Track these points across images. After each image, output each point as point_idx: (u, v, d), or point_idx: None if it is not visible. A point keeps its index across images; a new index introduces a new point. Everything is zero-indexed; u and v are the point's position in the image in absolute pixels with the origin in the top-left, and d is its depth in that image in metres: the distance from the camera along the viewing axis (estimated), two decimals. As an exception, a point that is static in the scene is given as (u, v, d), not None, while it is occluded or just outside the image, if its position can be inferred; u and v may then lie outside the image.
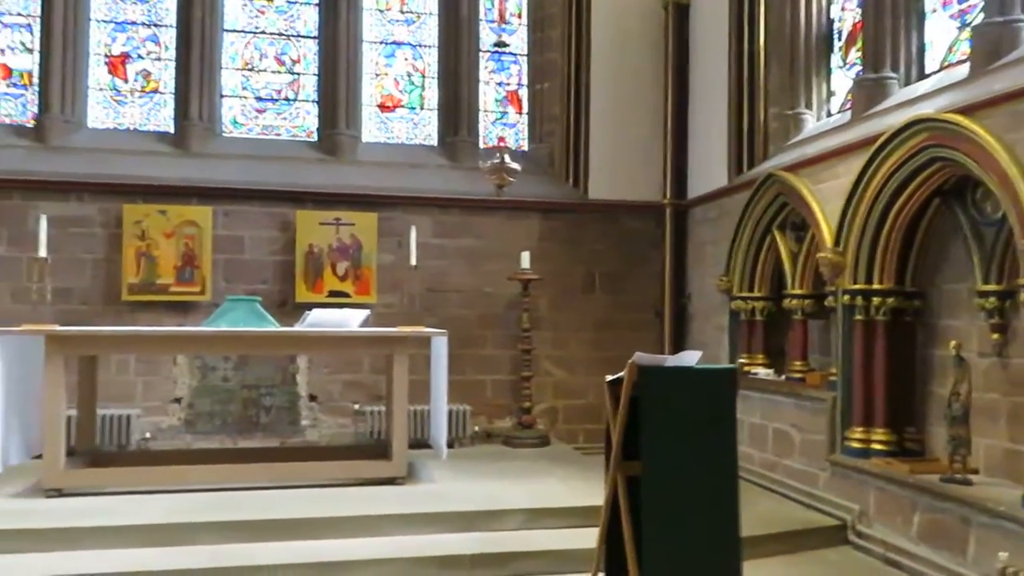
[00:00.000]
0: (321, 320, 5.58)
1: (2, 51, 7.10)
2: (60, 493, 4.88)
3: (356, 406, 7.02)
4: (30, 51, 7.10)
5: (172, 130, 7.27)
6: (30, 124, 7.03)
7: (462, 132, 7.71)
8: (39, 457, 5.08)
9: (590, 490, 5.00)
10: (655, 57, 7.69)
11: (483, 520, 4.70)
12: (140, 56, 7.35)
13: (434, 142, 7.84)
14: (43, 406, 5.00)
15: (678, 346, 7.27)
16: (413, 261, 6.12)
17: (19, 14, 7.11)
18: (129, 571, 4.02)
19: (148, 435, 6.61)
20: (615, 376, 3.44)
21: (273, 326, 5.62)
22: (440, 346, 5.57)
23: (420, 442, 6.33)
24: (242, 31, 7.54)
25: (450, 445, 5.85)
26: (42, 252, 5.57)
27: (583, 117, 7.67)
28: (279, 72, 7.61)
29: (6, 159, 6.71)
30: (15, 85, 7.12)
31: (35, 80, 7.06)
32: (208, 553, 4.23)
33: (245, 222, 7.04)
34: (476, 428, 7.13)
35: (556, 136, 7.82)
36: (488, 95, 7.97)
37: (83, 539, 4.27)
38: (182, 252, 6.82)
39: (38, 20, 7.05)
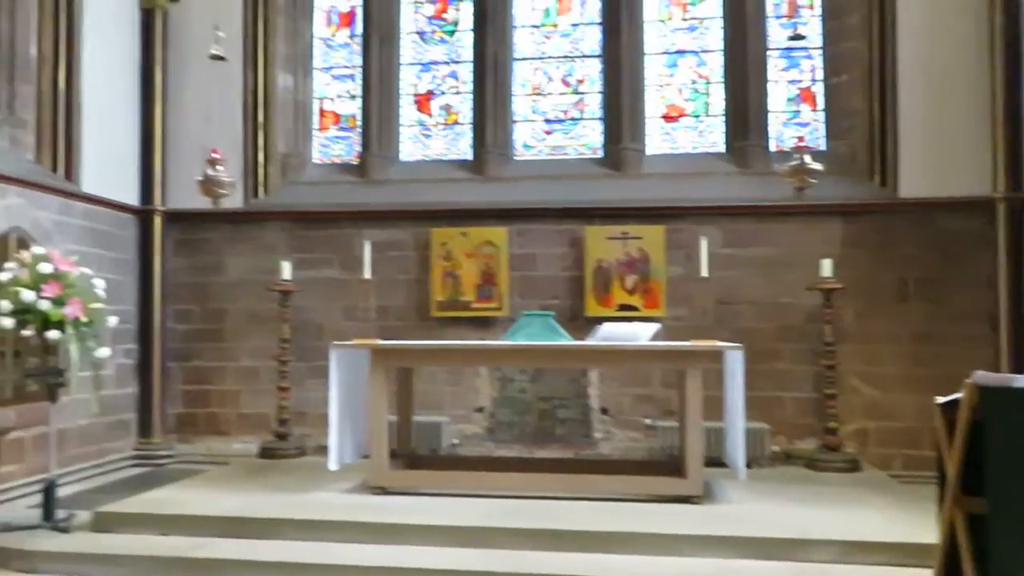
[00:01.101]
0: (612, 334, 5.61)
1: (332, 100, 8.16)
2: (384, 491, 5.40)
3: (647, 420, 6.97)
4: (354, 98, 8.07)
5: (471, 157, 7.82)
6: (355, 162, 7.98)
7: (751, 136, 7.37)
8: (367, 457, 5.68)
9: (913, 524, 4.45)
10: (978, 29, 6.71)
11: (789, 549, 4.37)
12: (442, 92, 8.01)
13: (721, 149, 7.58)
14: (369, 412, 5.59)
15: (1019, 364, 6.24)
16: (704, 272, 5.94)
17: (344, 66, 8.13)
18: (442, 569, 4.31)
19: (456, 441, 7.13)
20: (948, 398, 3.00)
21: (567, 340, 5.76)
22: (735, 361, 5.32)
23: (715, 460, 6.09)
24: (530, 58, 7.90)
25: (748, 465, 5.55)
26: (367, 274, 6.26)
27: (890, 107, 6.92)
28: (565, 93, 7.86)
29: (337, 193, 7.67)
30: (343, 129, 8.13)
31: (358, 123, 8.00)
32: (510, 558, 4.41)
33: (537, 240, 7.34)
34: (775, 448, 6.71)
35: (857, 131, 7.16)
36: (777, 95, 7.54)
37: (403, 535, 4.67)
38: (482, 271, 7.28)
39: (359, 70, 7.99)
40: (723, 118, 7.59)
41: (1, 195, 5.81)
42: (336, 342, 5.76)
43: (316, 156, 8.13)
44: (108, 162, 7.00)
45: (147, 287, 7.44)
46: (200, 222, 7.58)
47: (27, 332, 4.94)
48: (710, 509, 5.07)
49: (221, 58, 5.86)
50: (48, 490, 5.07)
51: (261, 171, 7.67)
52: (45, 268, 4.95)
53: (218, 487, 5.74)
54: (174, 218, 7.61)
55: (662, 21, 7.75)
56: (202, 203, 6.90)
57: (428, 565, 4.35)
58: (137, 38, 7.49)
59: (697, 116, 7.68)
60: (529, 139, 7.89)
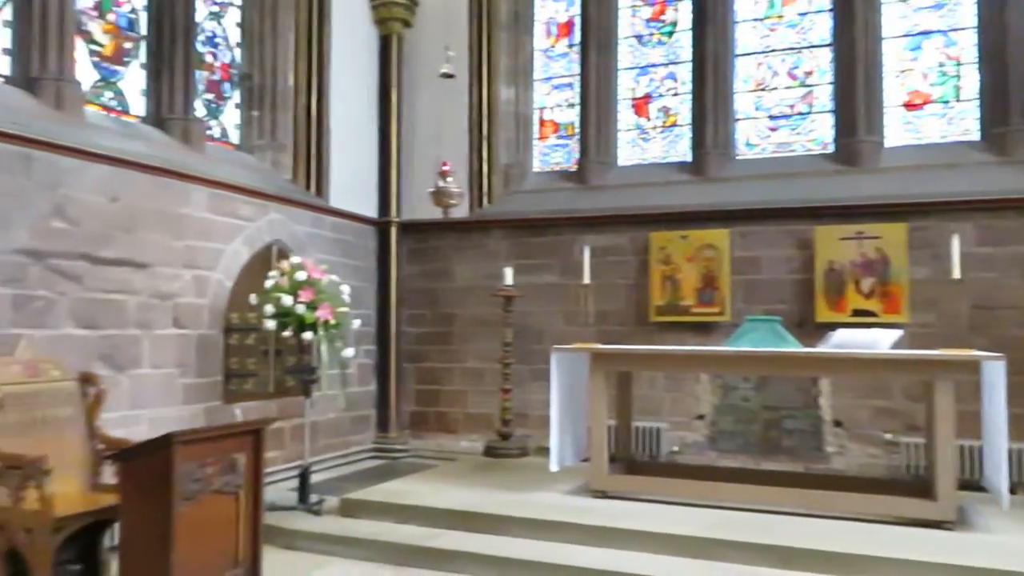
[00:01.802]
0: (847, 341, 5.22)
1: (551, 109, 8.35)
2: (604, 495, 5.42)
3: (888, 436, 6.40)
4: (572, 106, 8.20)
5: (690, 159, 7.65)
6: (573, 168, 8.10)
7: (1012, 120, 6.53)
8: (586, 460, 5.73)
9: None
10: None
11: (1064, 589, 3.82)
12: (660, 94, 7.91)
13: (975, 136, 6.80)
14: (589, 416, 5.64)
15: None
16: (956, 274, 5.34)
17: (563, 75, 8.28)
18: (661, 577, 4.26)
19: (676, 448, 6.99)
20: None
21: (795, 347, 5.44)
22: (995, 372, 4.74)
23: (970, 483, 5.47)
24: (753, 53, 7.58)
25: (1012, 491, 4.91)
26: (586, 279, 6.33)
27: None
28: (792, 87, 7.45)
29: (557, 200, 7.83)
30: (562, 137, 8.29)
31: (576, 130, 8.12)
32: (736, 573, 4.25)
33: (761, 242, 7.01)
34: (1047, 473, 5.88)
35: None
36: (1045, 72, 6.63)
37: (624, 540, 4.66)
38: (702, 274, 7.09)
39: (577, 78, 8.11)
40: (978, 102, 6.81)
41: (265, 211, 6.57)
42: (557, 346, 5.87)
43: (536, 165, 8.36)
44: (351, 178, 7.67)
45: (384, 293, 8.06)
46: (430, 231, 8.08)
47: (286, 333, 5.53)
48: (963, 537, 4.55)
49: (451, 76, 6.21)
50: (303, 476, 5.64)
51: (485, 181, 8.03)
52: (301, 276, 5.52)
53: (448, 482, 6.06)
54: (408, 228, 8.17)
55: (902, 1, 7.10)
56: (432, 213, 7.35)
57: (649, 572, 4.30)
58: (375, 62, 8.15)
59: (946, 102, 6.95)
60: (752, 137, 7.57)
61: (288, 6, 7.16)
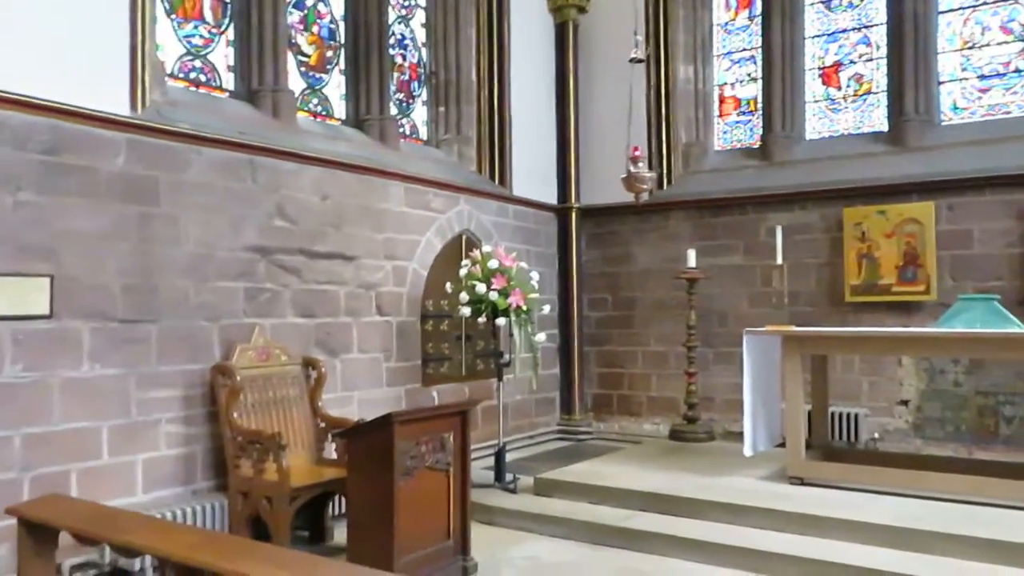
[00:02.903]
0: (1082, 321, 4.73)
1: (731, 85, 8.11)
2: (802, 482, 5.25)
3: None
4: (754, 80, 7.92)
5: (886, 128, 7.17)
6: (757, 145, 7.83)
7: None
8: (780, 446, 5.58)
9: None
10: None
11: None
12: (852, 61, 7.47)
13: None
14: (785, 400, 5.48)
15: None
16: None
17: (744, 49, 8.01)
18: (865, 567, 4.08)
19: (876, 435, 6.63)
20: None
21: (1017, 327, 5.00)
22: None
23: None
24: (960, 8, 6.97)
25: None
26: (779, 259, 6.13)
27: None
28: (1006, 42, 6.78)
29: (740, 179, 7.61)
30: (743, 113, 8.04)
31: (759, 105, 7.84)
32: (952, 567, 4.01)
33: (973, 214, 6.47)
34: None
35: None
36: None
37: (825, 528, 4.51)
38: (903, 251, 6.65)
39: (759, 51, 7.82)
40: None
41: (454, 203, 6.87)
42: (748, 328, 5.74)
43: (717, 143, 8.16)
44: (532, 167, 7.84)
45: (566, 278, 8.20)
46: (609, 215, 8.12)
47: (480, 320, 5.78)
48: None
49: (641, 60, 6.17)
50: (499, 455, 5.89)
51: (665, 162, 7.93)
52: (492, 264, 5.73)
53: (637, 464, 6.10)
54: (587, 213, 8.25)
55: None
56: (610, 197, 7.40)
57: (854, 562, 4.15)
58: (551, 51, 8.27)
59: None
60: (960, 100, 6.98)
61: (469, 3, 7.41)
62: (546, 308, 6.25)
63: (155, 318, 4.60)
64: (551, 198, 8.20)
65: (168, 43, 5.25)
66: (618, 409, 8.17)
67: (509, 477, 5.85)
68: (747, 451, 5.53)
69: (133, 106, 4.55)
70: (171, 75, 5.23)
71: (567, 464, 6.31)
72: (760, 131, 7.82)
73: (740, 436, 5.67)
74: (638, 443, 7.33)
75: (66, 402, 4.17)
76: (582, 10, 8.29)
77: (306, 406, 5.12)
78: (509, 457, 6.43)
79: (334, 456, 5.01)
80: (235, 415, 4.58)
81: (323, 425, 5.11)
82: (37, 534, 3.35)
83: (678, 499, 5.08)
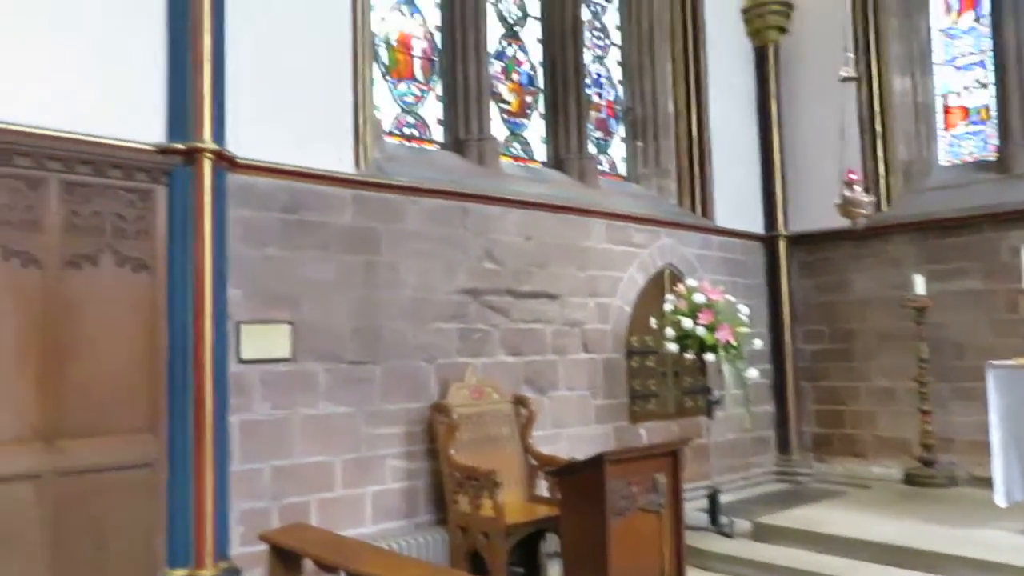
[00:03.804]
0: None
1: (957, 94, 7.42)
2: (1072, 538, 4.59)
3: None
4: (984, 86, 7.20)
5: None
6: (992, 157, 7.09)
7: None
8: (1043, 495, 4.92)
9: None
10: None
11: None
12: (1107, 55, 6.58)
13: None
14: (1044, 443, 4.84)
15: None
16: None
17: (970, 54, 7.32)
18: None
19: None
20: None
21: None
22: None
23: None
24: None
25: None
26: (1025, 283, 5.49)
27: None
28: None
29: (973, 195, 6.90)
30: (973, 123, 7.32)
31: (993, 113, 7.10)
32: None
33: None
34: None
35: None
36: None
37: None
38: None
39: (990, 54, 7.11)
40: None
41: (655, 237, 6.80)
42: (992, 362, 5.15)
43: (943, 158, 7.47)
44: (735, 196, 7.60)
45: (776, 309, 7.81)
46: (822, 242, 7.65)
47: (688, 356, 5.64)
48: None
49: (854, 79, 5.85)
50: (712, 497, 5.67)
51: (882, 182, 7.38)
52: (698, 298, 5.59)
53: (866, 511, 5.63)
54: (796, 241, 7.84)
55: None
56: (822, 223, 6.99)
57: None
58: (751, 76, 8.02)
59: None
60: None
61: (664, 37, 7.38)
62: (757, 342, 5.98)
63: (379, 359, 4.93)
64: (757, 227, 7.89)
65: (384, 103, 5.68)
66: (840, 449, 7.60)
67: (724, 520, 5.61)
68: (1000, 500, 4.92)
69: (357, 164, 4.95)
70: (388, 132, 5.65)
71: (786, 508, 5.95)
72: (996, 141, 7.07)
73: (989, 482, 5.06)
74: (866, 487, 6.77)
75: (306, 437, 4.56)
76: (783, 31, 7.98)
77: (517, 443, 5.23)
78: (723, 499, 6.17)
79: (546, 493, 5.06)
80: (452, 451, 4.78)
81: (534, 462, 5.19)
82: (285, 559, 3.67)
83: (916, 552, 4.61)
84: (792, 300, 7.82)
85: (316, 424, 4.61)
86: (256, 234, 4.47)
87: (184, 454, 4.01)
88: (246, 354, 4.36)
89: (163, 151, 4.10)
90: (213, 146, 4.16)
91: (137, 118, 4.07)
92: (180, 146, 4.11)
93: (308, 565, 3.67)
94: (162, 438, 4.04)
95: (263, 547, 3.92)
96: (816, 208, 7.20)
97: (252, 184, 4.47)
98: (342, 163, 4.88)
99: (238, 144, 4.34)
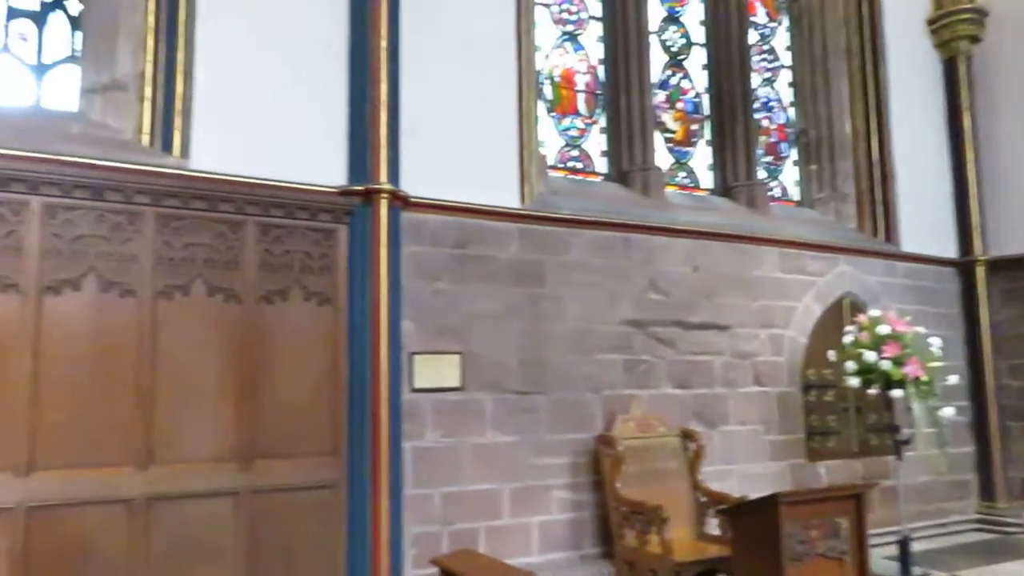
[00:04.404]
0: None
1: None
2: None
3: None
4: None
5: None
6: None
7: None
8: None
9: None
10: None
11: None
12: None
13: None
14: None
15: None
16: None
17: None
18: None
19: None
20: None
21: None
22: None
23: None
24: None
25: None
26: None
27: None
28: None
29: None
30: None
31: None
32: None
33: None
34: None
35: None
36: None
37: None
38: None
39: None
40: None
41: (833, 264, 6.43)
42: None
43: None
44: (922, 219, 7.04)
45: (975, 341, 7.11)
46: (1028, 267, 6.93)
47: (871, 391, 5.26)
48: None
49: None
50: (903, 545, 5.22)
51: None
52: (883, 329, 5.22)
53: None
54: (997, 266, 7.13)
55: None
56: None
57: None
58: (940, 90, 7.44)
59: None
60: None
61: (839, 54, 7.04)
62: (953, 378, 5.48)
63: (544, 390, 4.98)
64: (950, 251, 7.25)
65: (549, 138, 5.80)
66: (1056, 498, 6.77)
67: (918, 571, 5.15)
68: None
69: (522, 199, 5.08)
70: (552, 166, 5.75)
71: (992, 562, 5.38)
72: None
73: None
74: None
75: (474, 465, 4.68)
76: (975, 40, 7.36)
77: (685, 478, 5.09)
78: (915, 547, 5.67)
79: (716, 532, 4.87)
80: (618, 485, 4.72)
81: (704, 499, 5.02)
82: (454, 585, 3.76)
83: None
84: (994, 331, 7.09)
85: (484, 453, 4.72)
86: (427, 269, 4.68)
87: (362, 477, 4.24)
88: (419, 383, 4.55)
89: (344, 193, 4.42)
90: (389, 187, 4.42)
91: (321, 164, 4.42)
92: (359, 188, 4.41)
93: (475, 592, 3.74)
94: (343, 461, 4.30)
95: (433, 571, 4.04)
96: (1020, 230, 6.54)
97: (424, 221, 4.70)
98: (508, 198, 5.02)
99: (412, 184, 4.58)
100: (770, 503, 3.65)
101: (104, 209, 3.87)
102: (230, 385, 4.09)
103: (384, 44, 4.51)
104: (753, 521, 3.79)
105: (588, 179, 5.94)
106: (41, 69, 5.87)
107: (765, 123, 7.00)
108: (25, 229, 3.69)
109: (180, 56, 4.15)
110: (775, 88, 7.14)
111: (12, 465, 3.57)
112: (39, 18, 6.09)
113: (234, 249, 4.16)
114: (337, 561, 4.23)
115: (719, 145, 6.56)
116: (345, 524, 4.25)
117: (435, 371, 4.60)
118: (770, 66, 7.12)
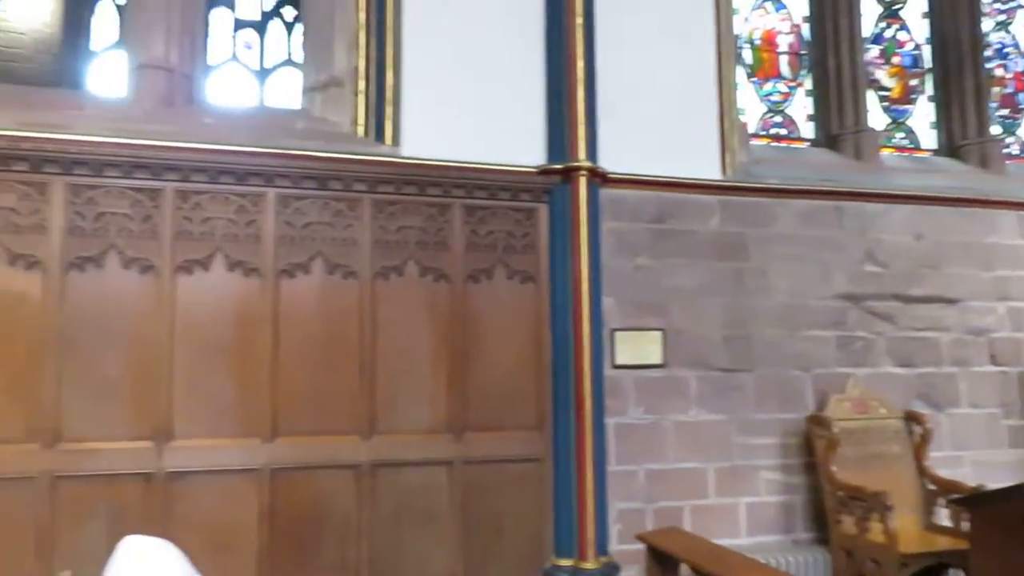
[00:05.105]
0: None
1: None
2: None
3: None
4: None
5: None
6: None
7: None
8: None
9: None
10: None
11: None
12: None
13: None
14: None
15: None
16: None
17: None
18: None
19: None
20: None
21: None
22: None
23: None
24: None
25: None
26: None
27: None
28: None
29: None
30: None
31: None
32: None
33: None
34: None
35: None
36: None
37: None
38: None
39: None
40: None
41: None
42: None
43: None
44: None
45: None
46: None
47: None
48: None
49: None
50: None
51: None
52: None
53: None
54: None
55: None
56: None
57: None
58: None
59: None
60: None
61: (1092, -14, 6.15)
62: None
63: (750, 367, 4.80)
64: None
65: (749, 104, 5.54)
66: None
67: None
68: None
69: (723, 170, 4.89)
70: (754, 134, 5.49)
71: None
72: None
73: None
74: None
75: (677, 443, 4.61)
76: None
77: (910, 464, 4.71)
78: None
79: (947, 522, 4.48)
80: (833, 468, 4.46)
81: (932, 487, 4.62)
82: (662, 562, 3.75)
83: None
84: None
85: (688, 430, 4.64)
86: (627, 245, 4.64)
87: (567, 451, 4.30)
88: (620, 360, 4.54)
89: (544, 172, 4.47)
90: (587, 164, 4.43)
91: (521, 144, 4.50)
92: (558, 166, 4.45)
93: (684, 570, 3.69)
94: (547, 435, 4.39)
95: (638, 546, 4.05)
96: None
97: (622, 197, 4.66)
98: (708, 170, 4.86)
99: (610, 160, 4.56)
100: (1016, 494, 3.28)
101: (328, 197, 4.18)
102: (442, 360, 4.29)
103: (580, 21, 4.50)
104: (996, 513, 3.42)
105: (793, 146, 5.62)
106: (263, 73, 6.44)
107: (999, 72, 6.26)
108: (263, 218, 4.07)
109: (389, 50, 4.37)
110: (1010, 32, 6.35)
111: (259, 431, 3.97)
112: (260, 27, 6.69)
113: (443, 231, 4.35)
114: (545, 531, 4.34)
115: (943, 101, 5.95)
116: (551, 496, 4.35)
117: (637, 348, 4.57)
118: (1004, 7, 6.35)
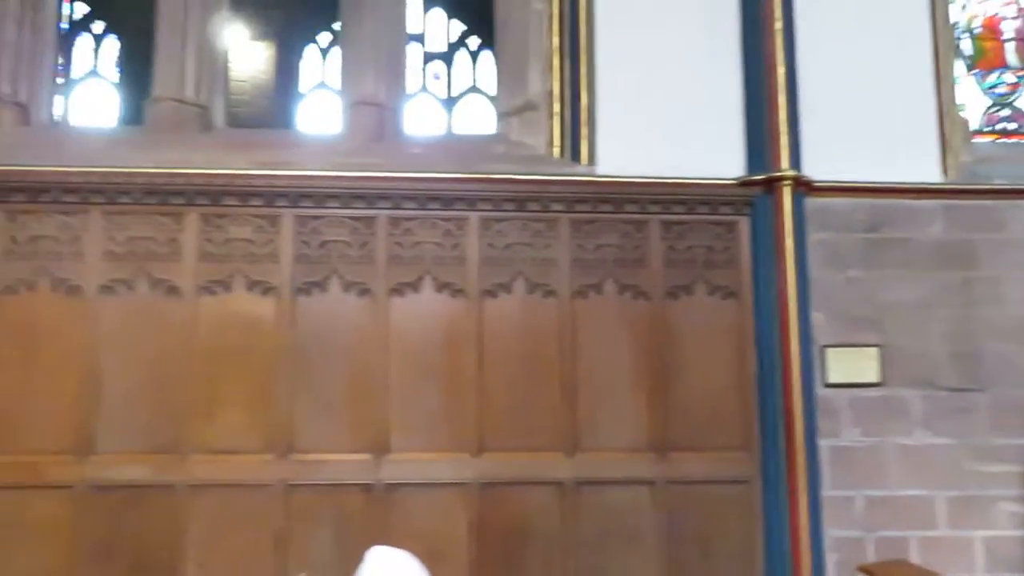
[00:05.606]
0: None
1: None
2: None
3: None
4: None
5: None
6: None
7: None
8: None
9: None
10: None
11: None
12: None
13: None
14: None
15: None
16: None
17: None
18: None
19: None
20: None
21: None
22: None
23: None
24: None
25: None
26: None
27: None
28: None
29: None
30: None
31: None
32: None
33: None
34: None
35: None
36: None
37: None
38: None
39: None
40: None
41: None
42: None
43: None
44: None
45: None
46: None
47: None
48: None
49: None
50: None
51: None
52: None
53: None
54: None
55: None
56: None
57: None
58: None
59: None
60: None
61: None
62: None
63: (982, 386, 4.36)
64: None
65: (970, 99, 5.08)
66: None
67: None
68: None
69: (944, 171, 4.51)
70: (977, 131, 5.02)
71: None
72: None
73: None
74: None
75: (900, 468, 4.26)
76: None
77: None
78: None
79: None
80: (1091, 501, 3.95)
81: None
82: (891, 597, 3.47)
83: None
84: None
85: (912, 455, 4.28)
86: (836, 256, 4.38)
87: (776, 474, 4.11)
88: (832, 378, 4.28)
89: (744, 183, 4.33)
90: (791, 173, 4.24)
91: (719, 156, 4.38)
92: (759, 177, 4.29)
93: (916, 607, 3.40)
94: (755, 457, 4.22)
95: (861, 578, 3.78)
96: None
97: (829, 206, 4.41)
98: (927, 172, 4.49)
99: (814, 167, 4.34)
100: None
101: (527, 218, 4.28)
102: (642, 378, 4.25)
103: (779, 25, 4.33)
104: None
105: (1022, 141, 5.09)
106: (449, 102, 6.74)
107: None
108: (467, 241, 4.24)
109: (583, 71, 4.42)
110: None
111: (467, 446, 4.11)
112: (447, 57, 7.01)
113: (640, 248, 4.32)
114: (755, 556, 4.15)
115: None
116: (761, 520, 4.16)
117: (850, 365, 4.29)
118: None
